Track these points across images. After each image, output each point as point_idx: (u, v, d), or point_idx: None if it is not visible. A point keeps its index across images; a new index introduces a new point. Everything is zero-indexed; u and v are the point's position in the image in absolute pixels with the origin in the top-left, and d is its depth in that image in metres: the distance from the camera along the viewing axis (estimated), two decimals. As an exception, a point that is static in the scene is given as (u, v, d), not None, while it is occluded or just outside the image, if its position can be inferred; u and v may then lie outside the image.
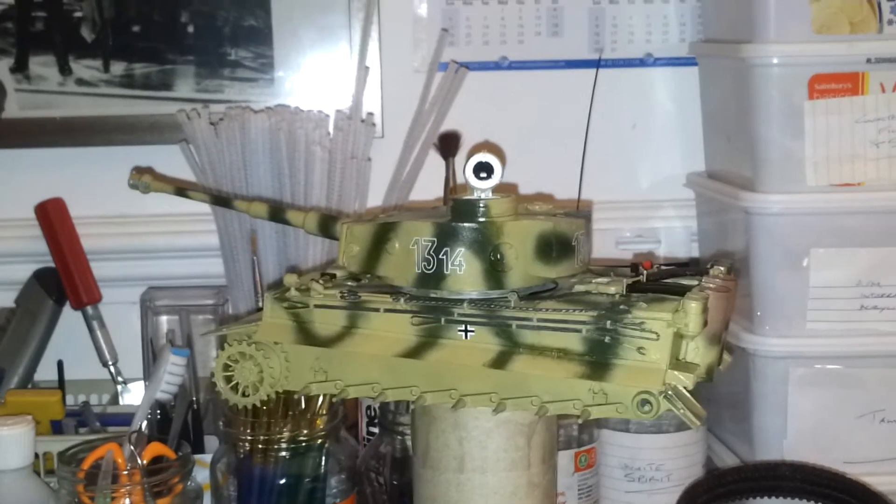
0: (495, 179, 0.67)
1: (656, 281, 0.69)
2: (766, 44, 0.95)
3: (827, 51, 0.94)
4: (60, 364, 1.12)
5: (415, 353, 0.67)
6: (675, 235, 1.20)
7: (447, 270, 0.66)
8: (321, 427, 0.90)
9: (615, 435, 0.96)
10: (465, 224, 0.66)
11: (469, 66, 1.16)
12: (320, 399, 0.90)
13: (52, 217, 1.14)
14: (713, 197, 1.09)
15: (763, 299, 0.97)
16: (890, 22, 0.94)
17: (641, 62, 1.19)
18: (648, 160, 1.21)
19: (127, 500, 0.83)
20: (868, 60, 0.94)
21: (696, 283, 0.68)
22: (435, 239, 0.66)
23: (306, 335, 0.70)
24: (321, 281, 0.71)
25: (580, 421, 0.64)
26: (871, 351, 0.97)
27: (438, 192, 1.09)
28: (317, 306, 0.70)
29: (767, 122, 0.96)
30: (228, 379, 0.72)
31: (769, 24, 0.95)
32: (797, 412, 0.97)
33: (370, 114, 1.15)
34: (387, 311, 0.68)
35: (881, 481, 0.92)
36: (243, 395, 0.71)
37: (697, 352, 0.63)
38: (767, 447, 0.99)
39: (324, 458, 0.90)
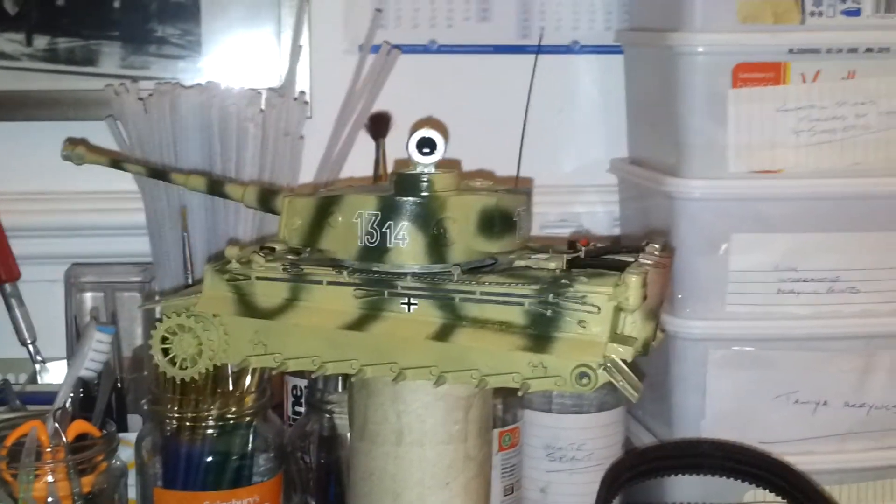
0: (438, 154, 0.68)
1: (595, 257, 0.70)
2: (691, 33, 0.97)
3: (751, 41, 0.96)
4: (-23, 342, 1.10)
5: (357, 325, 0.67)
6: (597, 220, 1.21)
7: (390, 244, 0.66)
8: (250, 405, 0.89)
9: (538, 415, 0.97)
10: (409, 198, 0.66)
11: (400, 49, 1.16)
12: (248, 377, 0.90)
13: (-29, 193, 1.12)
14: (636, 182, 1.11)
15: (684, 283, 0.99)
16: (812, 14, 0.97)
17: (568, 49, 1.20)
18: (573, 146, 1.22)
19: (50, 478, 0.82)
20: (790, 51, 0.96)
21: (632, 259, 0.69)
22: (379, 212, 0.66)
23: (247, 307, 0.69)
24: (262, 254, 0.71)
25: (520, 394, 0.65)
26: (787, 334, 0.99)
27: (368, 171, 1.09)
28: (258, 278, 0.69)
29: (691, 110, 0.98)
30: (166, 351, 0.71)
31: (695, 13, 0.97)
32: (715, 393, 0.99)
33: (302, 92, 1.14)
34: (329, 283, 0.68)
35: (795, 460, 0.95)
36: (181, 367, 0.71)
37: (635, 326, 0.64)
38: (686, 427, 1.00)
39: (251, 436, 0.90)
